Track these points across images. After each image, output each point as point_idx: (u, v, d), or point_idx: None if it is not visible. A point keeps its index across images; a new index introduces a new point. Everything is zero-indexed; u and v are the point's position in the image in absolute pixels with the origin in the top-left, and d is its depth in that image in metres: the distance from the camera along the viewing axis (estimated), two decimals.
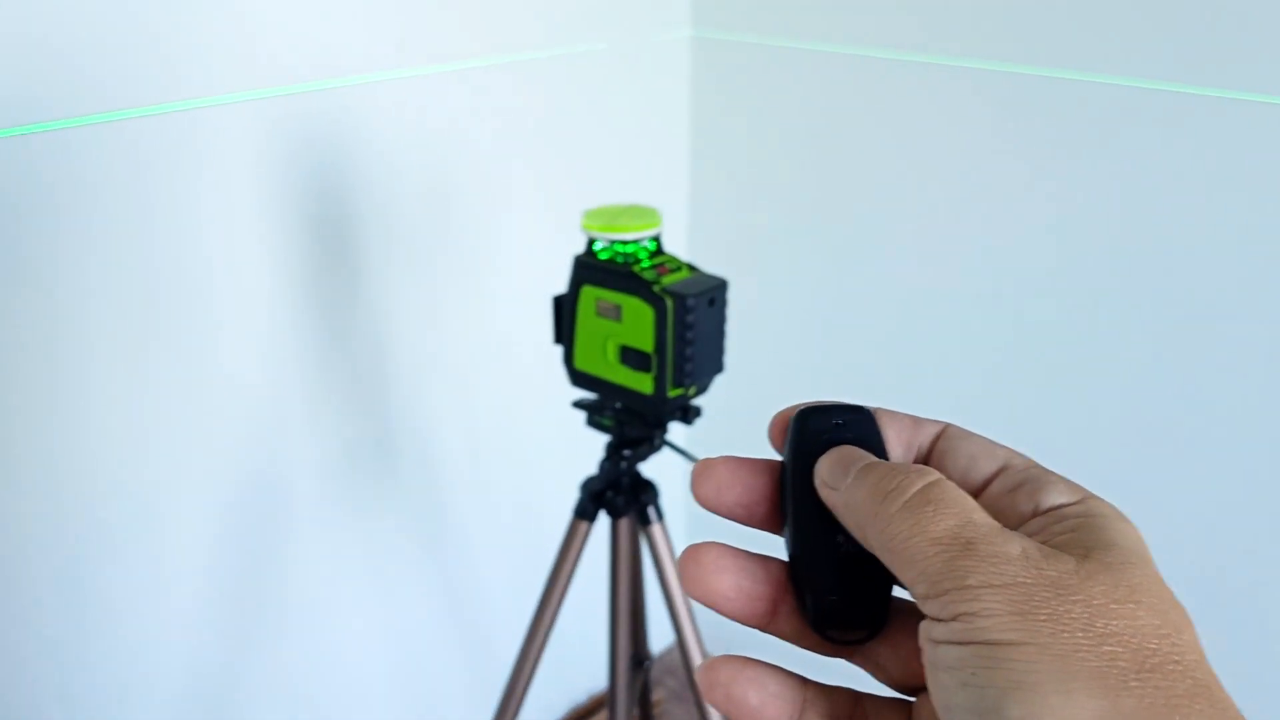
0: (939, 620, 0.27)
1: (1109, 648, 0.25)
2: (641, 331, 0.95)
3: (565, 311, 1.01)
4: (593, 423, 1.09)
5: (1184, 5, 1.10)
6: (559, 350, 1.05)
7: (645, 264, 0.96)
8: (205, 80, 1.04)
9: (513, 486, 1.56)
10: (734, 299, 0.99)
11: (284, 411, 1.22)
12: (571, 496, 1.15)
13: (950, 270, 1.38)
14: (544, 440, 1.54)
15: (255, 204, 1.11)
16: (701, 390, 1.01)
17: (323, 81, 1.14)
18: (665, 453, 1.12)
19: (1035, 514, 0.30)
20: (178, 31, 1.01)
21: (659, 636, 1.49)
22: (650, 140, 1.57)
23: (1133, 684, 0.25)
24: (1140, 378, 1.25)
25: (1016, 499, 0.31)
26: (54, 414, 1.03)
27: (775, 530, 0.34)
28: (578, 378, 1.03)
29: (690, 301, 0.92)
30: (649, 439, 1.09)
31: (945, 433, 0.33)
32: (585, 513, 1.14)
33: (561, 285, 1.05)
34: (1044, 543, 0.28)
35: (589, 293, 0.98)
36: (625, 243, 0.97)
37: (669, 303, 0.93)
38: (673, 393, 0.97)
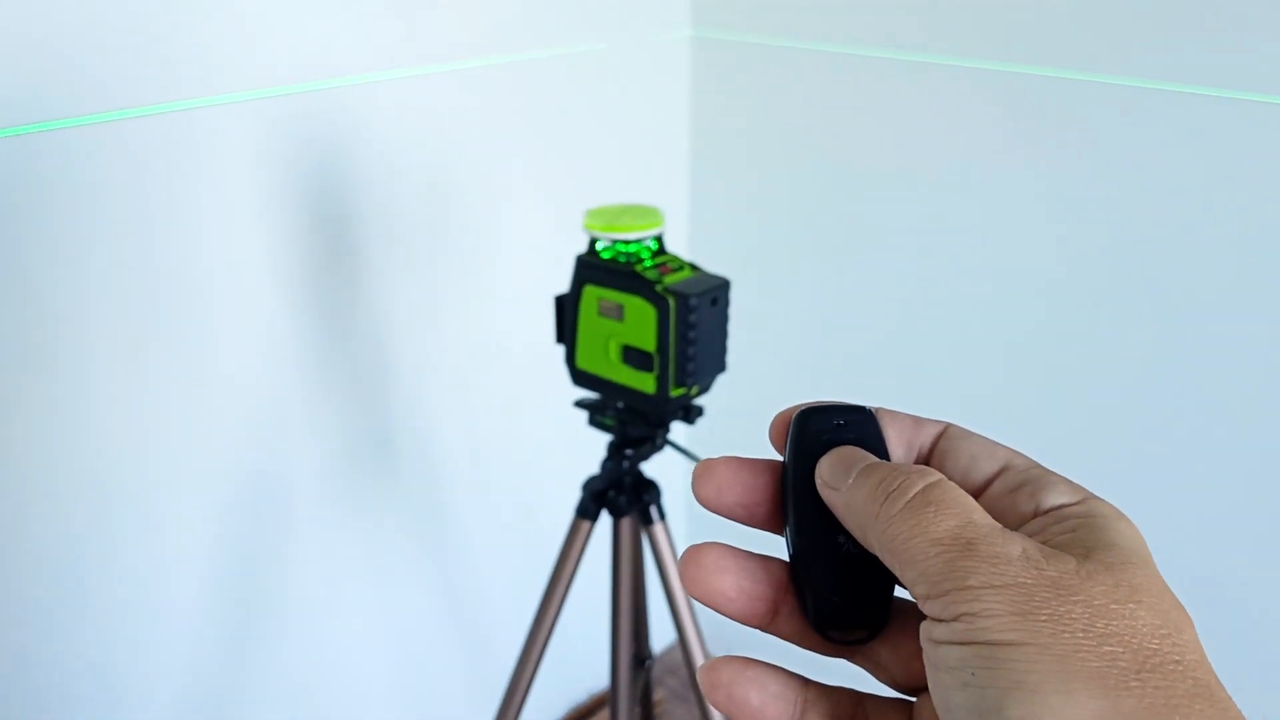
0: (940, 621, 0.27)
1: (1109, 648, 0.25)
2: (644, 331, 0.95)
3: (567, 311, 1.01)
4: (595, 422, 1.09)
5: (1184, 5, 1.10)
6: (560, 350, 1.05)
7: (647, 263, 0.97)
8: (205, 80, 1.04)
9: (513, 486, 1.56)
10: (735, 298, 0.99)
11: (284, 411, 1.22)
12: (572, 496, 1.15)
13: (951, 269, 1.38)
14: (544, 440, 1.54)
15: (255, 204, 1.11)
16: (704, 390, 1.01)
17: (323, 81, 1.14)
18: (667, 452, 1.12)
19: (1036, 514, 0.30)
20: (178, 31, 1.01)
21: (660, 636, 1.49)
22: (651, 140, 1.57)
23: (1133, 684, 0.25)
24: (1140, 377, 1.25)
25: (1017, 499, 0.31)
26: (54, 414, 1.03)
27: (776, 530, 0.34)
28: (580, 377, 1.03)
29: (693, 301, 0.92)
30: (651, 438, 1.09)
31: (946, 433, 0.33)
32: (587, 512, 1.14)
33: (561, 285, 1.05)
34: (1045, 543, 0.28)
35: (591, 292, 0.98)
36: (627, 242, 0.97)
37: (671, 302, 0.93)
38: (675, 392, 0.97)
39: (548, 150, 1.40)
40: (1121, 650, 0.25)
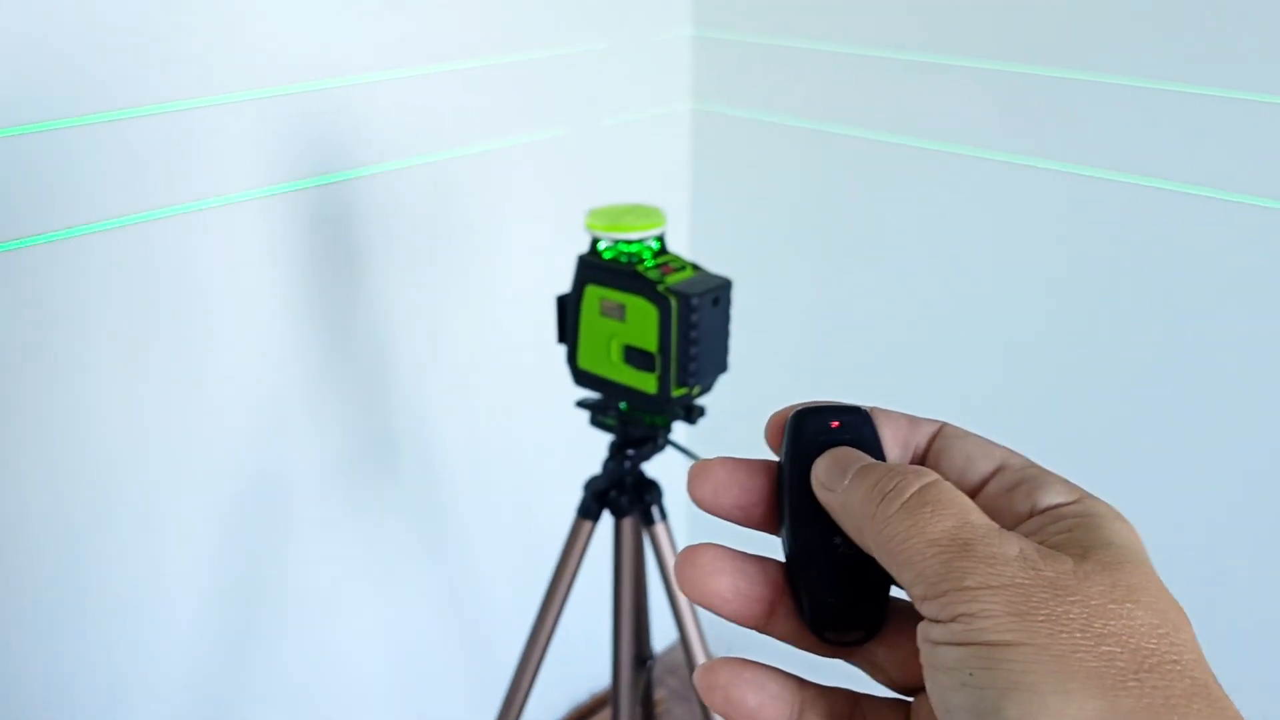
0: (937, 621, 0.27)
1: (1107, 648, 0.25)
2: (645, 331, 0.95)
3: (569, 311, 1.01)
4: (596, 422, 1.09)
5: (1185, 5, 1.10)
6: (561, 350, 1.05)
7: (649, 263, 0.96)
8: (205, 80, 1.04)
9: (514, 486, 1.56)
10: (736, 298, 0.98)
11: (284, 411, 1.22)
12: (573, 496, 1.15)
13: (951, 270, 1.38)
14: (546, 440, 1.54)
15: (256, 204, 1.11)
16: (705, 390, 1.01)
17: (323, 81, 1.14)
18: (668, 452, 1.12)
19: (1032, 514, 0.30)
20: (178, 31, 1.01)
21: (661, 636, 1.49)
22: (651, 140, 1.56)
23: (1131, 684, 0.25)
24: (1139, 379, 1.25)
25: (1013, 499, 0.31)
26: (54, 414, 1.03)
27: (773, 531, 0.34)
28: (581, 377, 1.03)
29: (694, 301, 0.92)
30: (653, 438, 1.09)
31: (941, 432, 0.33)
32: (589, 512, 1.14)
33: (562, 285, 1.05)
34: (1041, 543, 0.28)
35: (593, 292, 0.98)
36: (629, 242, 0.97)
37: (673, 302, 0.93)
38: (677, 392, 0.97)
39: (548, 150, 1.40)
40: (1119, 650, 0.25)
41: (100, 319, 1.03)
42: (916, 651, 0.29)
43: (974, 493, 0.31)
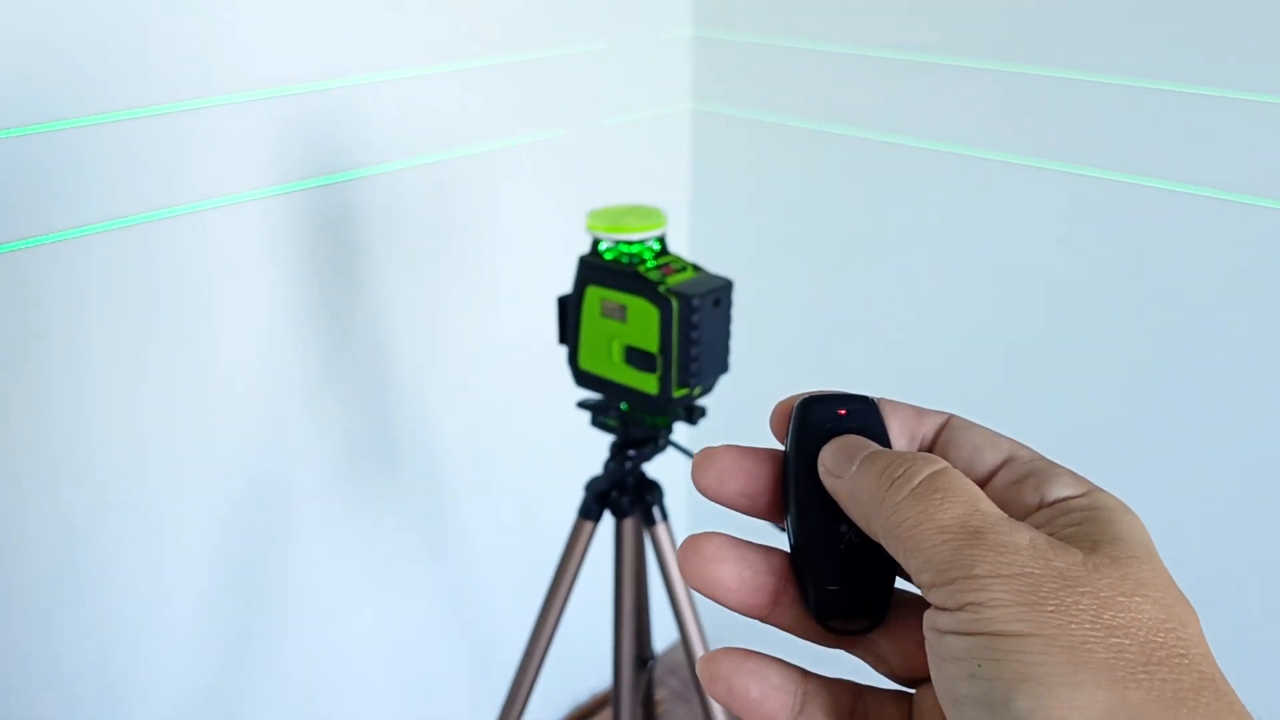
0: (945, 609, 0.27)
1: (1116, 640, 0.25)
2: (647, 332, 0.95)
3: (570, 312, 1.01)
4: (597, 423, 1.09)
5: (1185, 5, 1.10)
6: (561, 350, 1.05)
7: (650, 264, 0.96)
8: (207, 80, 1.04)
9: (515, 486, 1.56)
10: (736, 299, 0.98)
11: (285, 411, 1.22)
12: (574, 496, 1.15)
13: (953, 268, 1.37)
14: (546, 440, 1.54)
15: (257, 204, 1.11)
16: (706, 390, 1.01)
17: (324, 81, 1.14)
18: (669, 452, 1.12)
19: (1040, 506, 0.30)
20: (178, 31, 1.01)
21: (661, 636, 1.49)
22: (651, 140, 1.56)
23: (1140, 676, 0.25)
24: (1138, 378, 1.25)
25: (1022, 491, 0.30)
26: (54, 414, 1.03)
27: (777, 520, 0.34)
28: (582, 378, 1.03)
29: (695, 302, 0.92)
30: (653, 439, 1.09)
31: (949, 423, 0.33)
32: (590, 513, 1.14)
33: (563, 285, 1.05)
34: (1050, 535, 0.28)
35: (594, 293, 0.98)
36: (630, 243, 0.97)
37: (674, 303, 0.93)
38: (678, 393, 0.97)
39: (548, 150, 1.40)
40: (1129, 642, 0.25)
41: (101, 319, 1.03)
42: (920, 643, 0.29)
43: (982, 484, 0.31)
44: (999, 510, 0.28)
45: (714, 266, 1.06)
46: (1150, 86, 1.14)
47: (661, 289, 0.93)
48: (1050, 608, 0.26)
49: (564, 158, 1.42)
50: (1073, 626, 0.25)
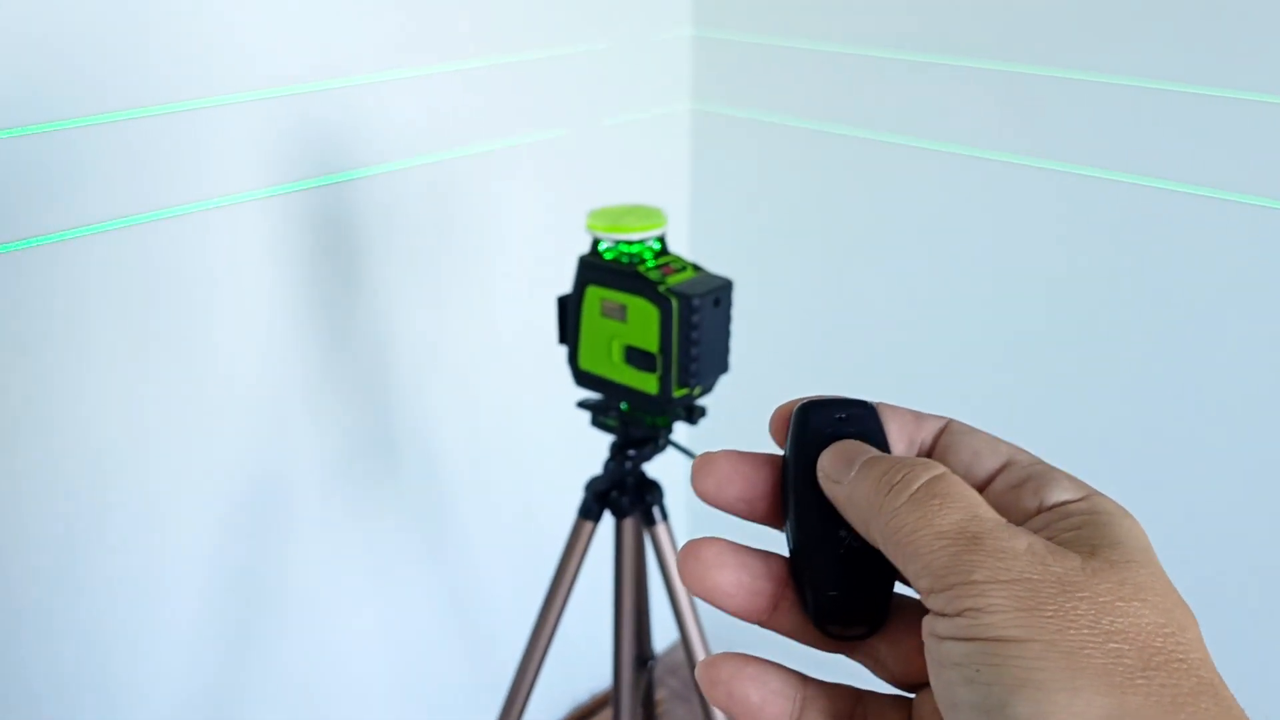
0: (944, 615, 0.27)
1: (1115, 645, 0.25)
2: (646, 332, 0.95)
3: (570, 312, 1.01)
4: (597, 423, 1.09)
5: (1185, 5, 1.10)
6: (561, 350, 1.05)
7: (650, 264, 0.96)
8: (207, 80, 1.04)
9: (515, 486, 1.56)
10: (736, 298, 0.98)
11: (285, 412, 1.22)
12: (574, 496, 1.15)
13: (953, 269, 1.37)
14: (546, 440, 1.54)
15: (256, 204, 1.11)
16: (706, 390, 1.01)
17: (324, 82, 1.14)
18: (669, 452, 1.12)
19: (1039, 510, 0.30)
20: (178, 31, 1.01)
21: (661, 636, 1.49)
22: (651, 140, 1.56)
23: (1139, 681, 0.25)
24: (1138, 379, 1.24)
25: (1021, 495, 0.30)
26: (54, 414, 1.03)
27: (776, 525, 0.34)
28: (582, 378, 1.03)
29: (695, 301, 0.92)
30: (654, 439, 1.09)
31: (948, 428, 0.33)
32: (590, 512, 1.14)
33: (563, 285, 1.04)
34: (1049, 539, 0.28)
35: (594, 293, 0.98)
36: (630, 243, 0.97)
37: (674, 303, 0.93)
38: (678, 393, 0.97)
39: (549, 150, 1.40)
40: (1127, 648, 0.25)
41: (101, 319, 1.03)
42: (919, 648, 0.29)
43: (980, 489, 0.31)
44: (997, 516, 0.28)
45: (714, 266, 1.06)
46: (1150, 86, 1.14)
47: (661, 289, 0.93)
48: (1048, 613, 0.26)
49: (564, 158, 1.42)
50: (1071, 631, 0.25)
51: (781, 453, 0.34)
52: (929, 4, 1.29)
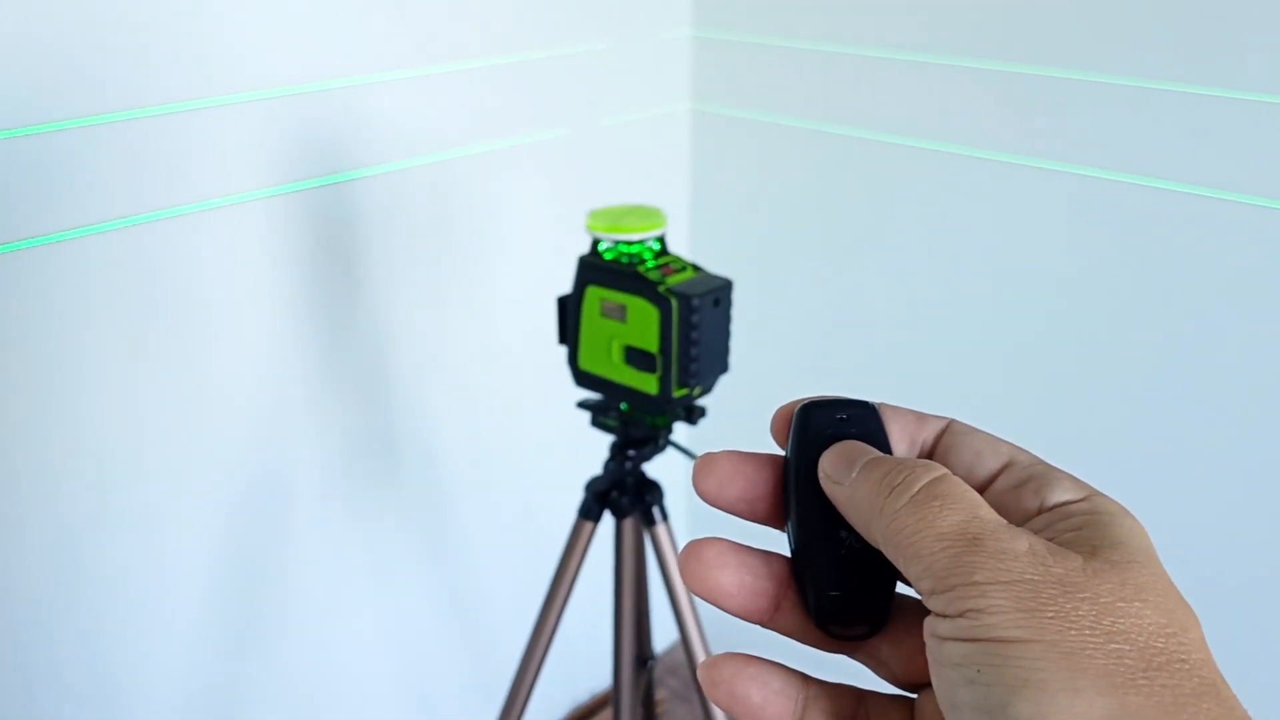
0: (945, 616, 0.27)
1: (1116, 645, 0.25)
2: (646, 332, 0.95)
3: (570, 312, 1.01)
4: (597, 423, 1.09)
5: (1185, 5, 1.10)
6: (561, 351, 1.05)
7: (650, 264, 0.96)
8: (206, 80, 1.04)
9: (515, 487, 1.56)
10: (736, 299, 0.98)
11: (285, 413, 1.22)
12: (574, 497, 1.15)
13: (953, 269, 1.37)
14: (546, 441, 1.54)
15: (256, 205, 1.11)
16: (706, 390, 1.01)
17: (324, 82, 1.14)
18: (669, 452, 1.12)
19: (1040, 511, 0.30)
20: (178, 31, 1.01)
21: (661, 636, 1.49)
22: (651, 140, 1.56)
23: (1140, 682, 0.25)
24: (1139, 379, 1.24)
25: (1022, 495, 0.30)
26: (53, 415, 1.03)
27: (778, 525, 0.34)
28: (582, 378, 1.03)
29: (695, 302, 0.92)
30: (653, 439, 1.09)
31: (949, 428, 0.33)
32: (590, 513, 1.14)
33: (563, 285, 1.04)
34: (1050, 540, 0.28)
35: (594, 293, 0.98)
36: (630, 243, 0.97)
37: (674, 303, 0.93)
38: (678, 393, 0.97)
39: (549, 150, 1.40)
40: (1128, 648, 0.25)
41: (100, 320, 1.03)
42: (921, 648, 0.29)
43: (982, 489, 0.31)
44: (998, 517, 0.28)
45: (714, 266, 1.06)
46: (1150, 86, 1.14)
47: (661, 289, 0.93)
48: (1049, 614, 0.26)
49: (564, 158, 1.42)
50: (1072, 632, 0.25)
51: (783, 453, 0.34)
52: (929, 4, 1.29)
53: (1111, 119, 1.18)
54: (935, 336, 1.43)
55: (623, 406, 1.05)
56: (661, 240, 0.99)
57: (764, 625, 0.33)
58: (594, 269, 0.98)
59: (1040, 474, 0.31)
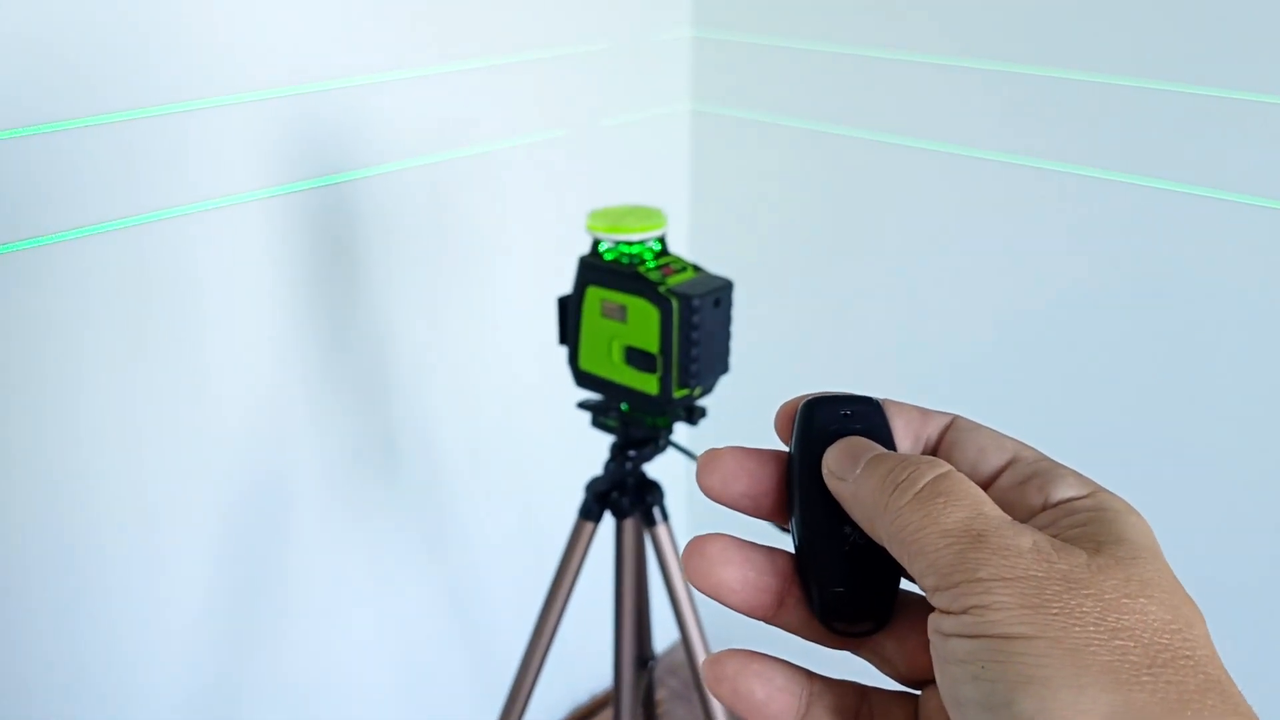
0: (949, 613, 0.27)
1: (1120, 642, 0.25)
2: (647, 332, 0.95)
3: (570, 312, 1.01)
4: (597, 423, 1.09)
5: (1185, 5, 1.10)
6: (562, 351, 1.05)
7: (650, 264, 0.96)
8: (205, 80, 1.04)
9: (516, 487, 1.56)
10: (736, 299, 0.98)
11: (285, 414, 1.22)
12: (574, 497, 1.15)
13: (954, 269, 1.37)
14: (547, 441, 1.54)
15: (256, 205, 1.11)
16: (707, 390, 1.01)
17: (323, 82, 1.14)
18: (670, 453, 1.12)
19: (1045, 507, 0.30)
20: (178, 32, 1.01)
21: (661, 636, 1.49)
22: (651, 140, 1.56)
23: (1144, 678, 0.25)
24: (1139, 379, 1.24)
25: (1026, 492, 0.30)
26: (51, 416, 1.03)
27: (781, 521, 0.34)
28: (583, 379, 1.03)
29: (696, 302, 0.92)
30: (654, 439, 1.09)
31: (954, 424, 0.33)
32: (590, 513, 1.14)
33: (563, 286, 1.04)
34: (1054, 536, 0.28)
35: (594, 293, 0.98)
36: (630, 243, 0.97)
37: (674, 303, 0.93)
38: (678, 393, 0.97)
39: (549, 150, 1.40)
40: (1133, 645, 0.25)
41: (99, 320, 1.03)
42: (925, 644, 0.29)
43: (986, 486, 0.31)
44: (1002, 513, 0.28)
45: (714, 266, 1.06)
46: (1150, 86, 1.14)
47: (661, 289, 0.93)
48: (1054, 610, 0.26)
49: (564, 158, 1.42)
50: (1076, 629, 0.25)
51: (787, 449, 0.34)
52: (929, 4, 1.29)
53: (1111, 119, 1.18)
54: (935, 336, 1.43)
55: (623, 407, 1.05)
56: (662, 240, 0.99)
57: (767, 622, 0.33)
58: (594, 269, 0.98)
59: (1045, 470, 0.31)
